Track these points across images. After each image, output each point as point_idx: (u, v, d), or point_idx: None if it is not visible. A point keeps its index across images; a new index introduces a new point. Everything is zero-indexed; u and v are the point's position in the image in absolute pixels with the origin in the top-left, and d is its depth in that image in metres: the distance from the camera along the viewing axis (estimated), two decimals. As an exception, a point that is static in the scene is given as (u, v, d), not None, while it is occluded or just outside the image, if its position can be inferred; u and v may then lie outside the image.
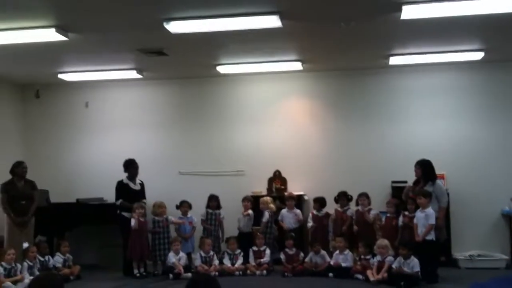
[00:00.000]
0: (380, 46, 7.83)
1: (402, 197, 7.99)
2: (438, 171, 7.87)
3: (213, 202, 8.66)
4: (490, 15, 6.20)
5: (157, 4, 5.74)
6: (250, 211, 8.62)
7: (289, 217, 8.56)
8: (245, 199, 8.69)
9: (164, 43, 7.30)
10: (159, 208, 8.50)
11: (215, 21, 6.19)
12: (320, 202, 8.46)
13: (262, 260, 8.18)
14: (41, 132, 10.03)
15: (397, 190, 8.39)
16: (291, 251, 8.14)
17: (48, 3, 5.76)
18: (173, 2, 5.74)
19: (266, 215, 8.52)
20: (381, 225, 8.06)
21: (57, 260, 8.21)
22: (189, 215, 8.67)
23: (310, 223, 8.45)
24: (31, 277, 7.01)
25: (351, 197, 8.36)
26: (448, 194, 8.14)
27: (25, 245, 7.75)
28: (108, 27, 6.57)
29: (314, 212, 8.50)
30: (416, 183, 7.82)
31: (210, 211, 8.65)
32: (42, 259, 7.98)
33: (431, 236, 7.30)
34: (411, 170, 7.85)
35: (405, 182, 8.28)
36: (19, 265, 7.48)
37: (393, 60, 8.42)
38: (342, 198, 8.35)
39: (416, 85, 9.08)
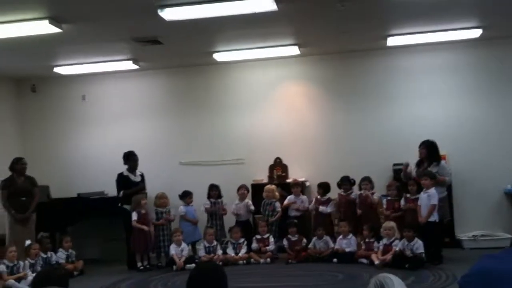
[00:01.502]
0: (377, 27, 7.75)
1: (401, 178, 7.95)
2: (440, 152, 7.82)
3: (214, 191, 8.63)
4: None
5: (150, -10, 5.67)
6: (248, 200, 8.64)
7: (295, 204, 8.49)
8: (241, 187, 8.65)
9: (158, 31, 7.22)
10: (161, 199, 8.47)
11: (210, 7, 6.10)
12: (324, 187, 8.40)
13: (267, 248, 8.15)
14: (39, 127, 9.96)
15: (399, 173, 8.32)
16: (294, 238, 8.11)
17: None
18: (166, -12, 5.67)
19: (278, 204, 8.49)
20: (383, 209, 8.03)
21: (60, 256, 8.16)
22: (191, 204, 8.64)
23: (312, 204, 8.41)
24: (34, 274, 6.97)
25: (354, 181, 8.31)
26: (450, 174, 8.14)
27: (28, 242, 7.71)
28: (101, 17, 6.49)
29: (318, 197, 8.43)
30: (419, 163, 7.77)
31: (212, 200, 8.62)
32: (44, 255, 7.94)
33: (434, 218, 7.28)
34: (412, 152, 7.82)
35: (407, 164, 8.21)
36: (21, 263, 7.42)
37: (391, 41, 8.34)
38: (345, 182, 8.29)
39: (415, 66, 9.00)
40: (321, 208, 8.29)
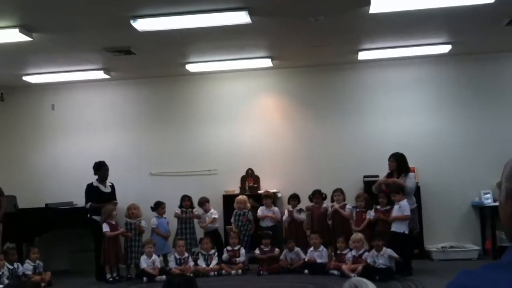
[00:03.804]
0: (349, 41, 7.84)
1: (372, 190, 8.03)
2: (409, 165, 7.94)
3: (186, 201, 8.59)
4: (456, 8, 6.27)
5: (123, 1, 5.63)
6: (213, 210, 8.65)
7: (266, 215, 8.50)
8: (202, 203, 8.65)
9: (131, 41, 7.17)
10: (133, 210, 8.38)
11: (183, 18, 6.11)
12: (297, 198, 8.42)
13: (237, 259, 8.13)
14: (6, 136, 9.76)
15: (369, 185, 8.41)
16: (267, 248, 8.10)
17: (10, 2, 5.60)
18: (140, -1, 5.65)
19: (250, 215, 8.51)
20: (352, 221, 8.08)
21: (27, 267, 7.98)
22: (164, 216, 8.58)
23: (285, 216, 8.40)
24: (1, 286, 6.81)
25: (325, 195, 8.35)
26: (419, 187, 8.27)
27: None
28: (73, 26, 6.41)
29: (290, 209, 8.44)
30: (389, 176, 7.87)
31: (184, 210, 8.58)
32: (11, 267, 7.76)
33: (403, 229, 7.35)
34: (383, 164, 7.93)
35: (377, 176, 8.31)
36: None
37: (362, 55, 8.44)
38: (317, 196, 8.33)
39: (386, 80, 9.13)
40: (296, 215, 8.30)
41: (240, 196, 8.66)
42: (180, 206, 8.60)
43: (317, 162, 9.13)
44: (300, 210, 8.37)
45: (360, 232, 7.69)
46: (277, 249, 8.11)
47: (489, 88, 8.92)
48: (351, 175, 8.78)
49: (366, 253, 7.44)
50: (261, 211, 8.49)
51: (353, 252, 7.53)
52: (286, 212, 8.43)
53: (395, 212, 7.41)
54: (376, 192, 7.92)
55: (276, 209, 8.56)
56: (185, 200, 8.60)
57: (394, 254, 7.20)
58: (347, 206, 8.17)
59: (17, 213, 8.69)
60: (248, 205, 8.57)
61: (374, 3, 5.92)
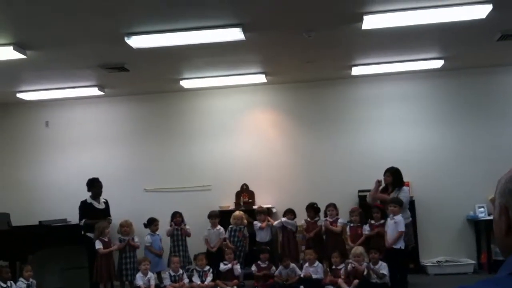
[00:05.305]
0: (342, 56, 7.90)
1: (366, 200, 8.02)
2: (403, 179, 7.95)
3: (177, 218, 8.54)
4: (448, 23, 6.32)
5: (117, 18, 5.66)
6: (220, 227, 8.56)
7: (261, 231, 8.48)
8: (213, 216, 8.58)
9: (125, 58, 7.19)
10: (125, 228, 8.33)
11: (177, 35, 6.13)
12: (293, 213, 8.40)
13: (235, 273, 8.08)
14: (0, 153, 9.73)
15: (364, 199, 8.42)
16: (264, 264, 8.06)
17: (4, 20, 5.61)
18: (134, 16, 5.67)
19: (246, 231, 8.49)
20: (347, 236, 8.06)
21: (20, 285, 7.88)
22: (157, 233, 8.53)
23: (277, 222, 8.43)
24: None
25: (319, 208, 8.34)
26: (414, 202, 8.27)
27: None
28: (67, 44, 6.43)
29: (283, 219, 8.40)
30: (384, 190, 7.88)
31: (176, 227, 8.53)
32: (4, 285, 7.68)
33: (400, 245, 7.35)
34: (377, 178, 7.91)
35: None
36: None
37: (356, 70, 8.49)
38: (309, 210, 8.32)
39: (379, 95, 9.18)
40: (284, 220, 8.31)
41: (237, 212, 8.63)
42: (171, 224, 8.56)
43: (312, 176, 9.13)
44: (296, 228, 8.36)
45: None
46: (273, 268, 8.07)
47: (482, 102, 8.97)
48: (345, 190, 8.78)
49: (365, 265, 7.42)
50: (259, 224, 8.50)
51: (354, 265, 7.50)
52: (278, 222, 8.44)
53: (390, 227, 7.40)
54: (369, 202, 7.92)
55: (270, 223, 8.55)
56: (176, 216, 8.56)
57: (386, 272, 7.18)
58: (339, 221, 8.14)
59: (10, 230, 8.62)
60: (245, 221, 8.54)
61: (367, 19, 5.96)
